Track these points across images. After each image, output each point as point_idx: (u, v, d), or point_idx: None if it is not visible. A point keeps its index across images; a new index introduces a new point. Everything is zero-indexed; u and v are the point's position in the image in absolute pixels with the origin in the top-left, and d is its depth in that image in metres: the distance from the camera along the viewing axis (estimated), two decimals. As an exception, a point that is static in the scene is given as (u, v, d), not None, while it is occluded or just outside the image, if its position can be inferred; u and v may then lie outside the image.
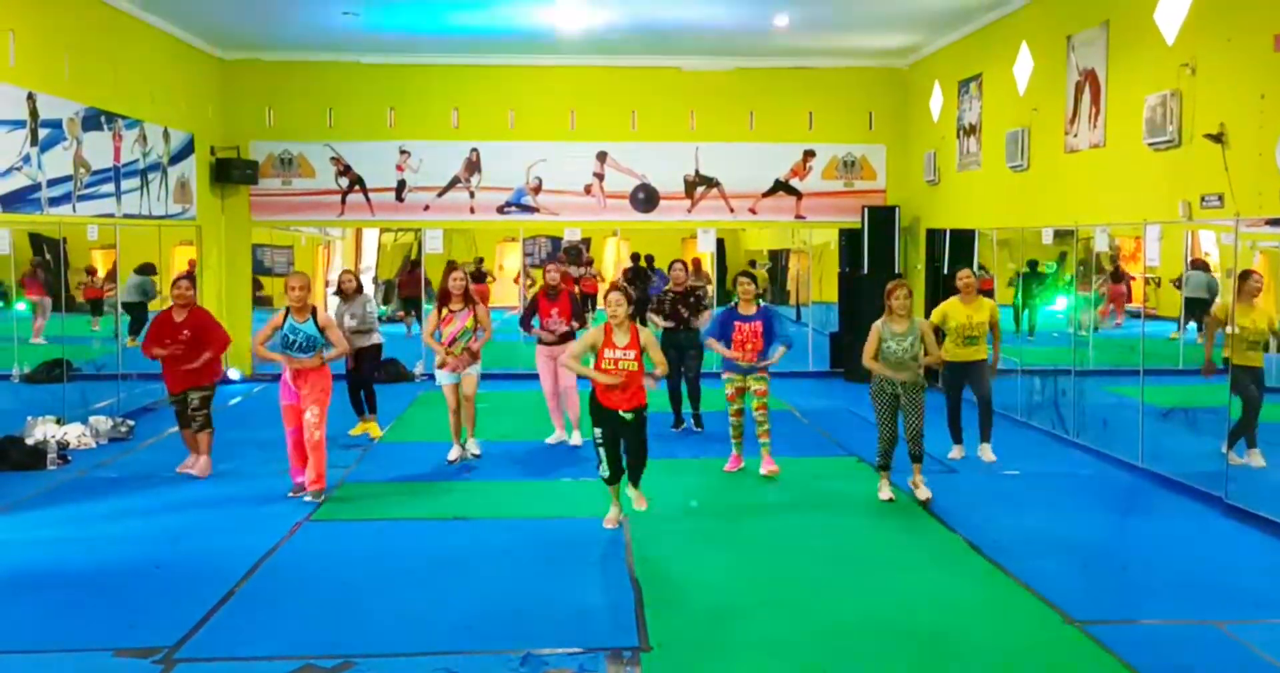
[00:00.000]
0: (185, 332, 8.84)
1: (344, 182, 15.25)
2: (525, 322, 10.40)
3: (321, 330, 8.20)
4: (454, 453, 9.47)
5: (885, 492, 8.28)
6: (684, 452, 10.02)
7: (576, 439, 10.26)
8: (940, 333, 9.35)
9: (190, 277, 9.29)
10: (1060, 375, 11.01)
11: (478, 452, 9.59)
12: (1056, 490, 8.73)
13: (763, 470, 8.99)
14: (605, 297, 7.42)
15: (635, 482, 7.53)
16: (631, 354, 7.23)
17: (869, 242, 15.01)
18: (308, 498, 8.24)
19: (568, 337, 10.04)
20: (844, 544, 7.24)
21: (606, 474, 7.44)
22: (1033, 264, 12.01)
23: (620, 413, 7.28)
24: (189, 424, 8.98)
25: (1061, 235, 11.10)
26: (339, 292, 10.65)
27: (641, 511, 7.51)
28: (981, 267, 12.08)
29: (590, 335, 7.41)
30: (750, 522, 7.76)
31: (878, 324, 8.12)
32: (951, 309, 9.40)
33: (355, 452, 10.08)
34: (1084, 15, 10.35)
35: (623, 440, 7.36)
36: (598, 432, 7.37)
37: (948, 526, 7.58)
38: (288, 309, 8.23)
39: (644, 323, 10.64)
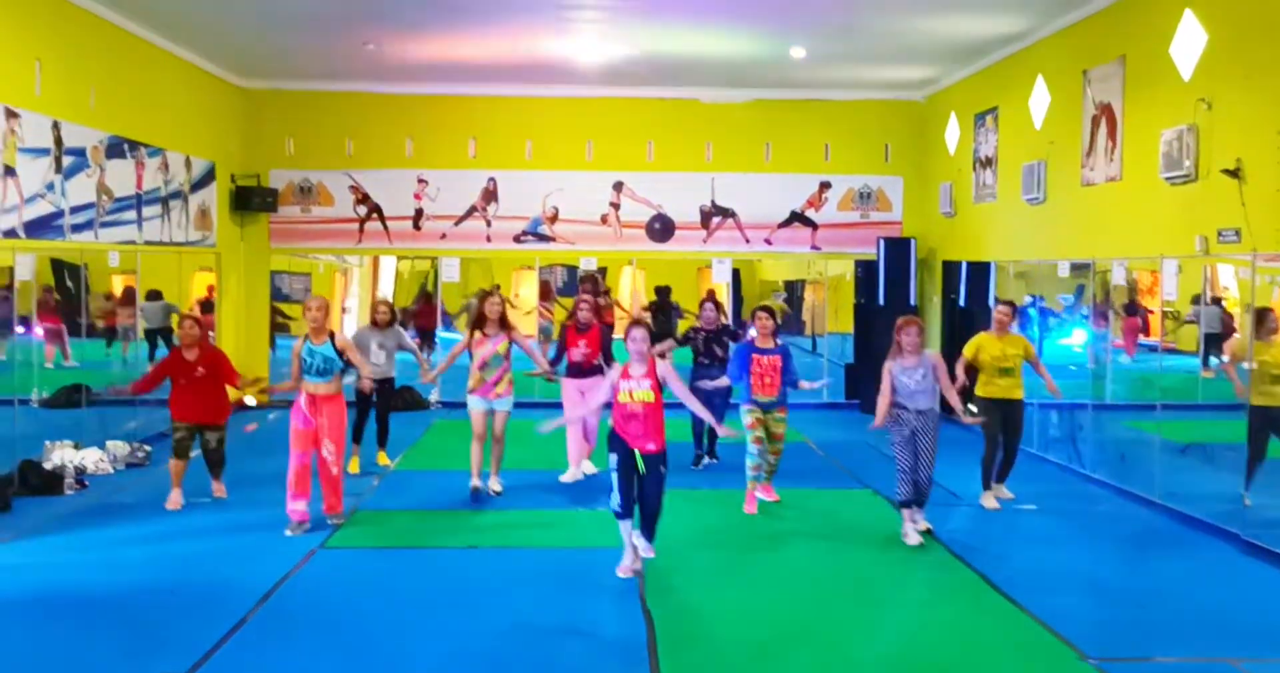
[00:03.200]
0: (199, 369, 8.93)
1: (362, 210, 15.38)
2: (557, 358, 10.39)
3: (340, 352, 8.21)
4: (475, 482, 9.28)
5: (912, 537, 7.95)
6: (700, 483, 10.00)
7: (588, 467, 10.20)
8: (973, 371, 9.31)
9: (196, 317, 9.37)
10: (1077, 409, 10.96)
11: (499, 489, 9.42)
12: (1073, 526, 8.67)
13: (761, 495, 9.00)
14: (627, 332, 7.24)
15: (647, 533, 7.21)
16: (647, 383, 7.07)
17: (885, 273, 15.03)
18: (332, 520, 8.26)
19: (597, 370, 10.01)
20: (859, 579, 7.20)
21: (618, 505, 7.11)
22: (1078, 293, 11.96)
23: (637, 456, 7.06)
24: (184, 455, 8.99)
25: (1079, 268, 11.09)
26: (372, 321, 10.67)
27: (648, 557, 7.24)
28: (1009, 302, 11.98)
29: (610, 377, 7.25)
30: (765, 555, 7.72)
31: (887, 365, 8.06)
32: (984, 342, 9.28)
33: (369, 479, 10.09)
34: (1100, 50, 10.40)
35: (637, 487, 7.10)
36: (613, 458, 7.11)
37: (963, 560, 7.53)
38: (306, 335, 8.27)
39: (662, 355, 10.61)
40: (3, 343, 9.87)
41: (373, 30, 12.08)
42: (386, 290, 19.15)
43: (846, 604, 6.64)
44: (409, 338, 10.81)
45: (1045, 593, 6.76)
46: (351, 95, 15.24)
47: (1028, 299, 12.39)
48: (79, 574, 7.05)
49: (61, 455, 9.87)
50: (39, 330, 10.62)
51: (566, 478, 10.11)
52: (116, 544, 7.78)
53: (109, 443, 10.64)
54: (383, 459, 10.75)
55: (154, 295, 12.94)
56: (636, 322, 7.40)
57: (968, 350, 9.33)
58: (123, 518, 8.54)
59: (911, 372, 7.98)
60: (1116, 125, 10.07)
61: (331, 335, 8.22)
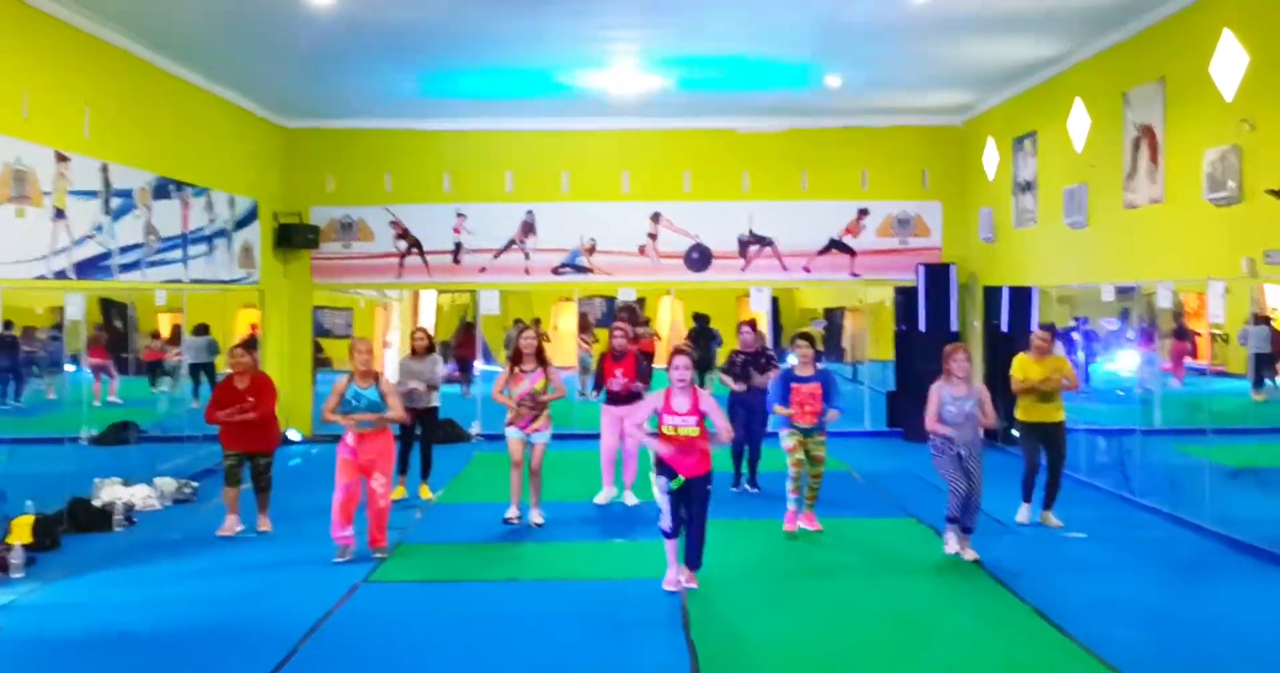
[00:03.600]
0: (249, 397, 9.07)
1: (402, 245, 15.53)
2: (597, 387, 10.49)
3: (383, 397, 8.30)
4: (512, 512, 9.34)
5: (952, 545, 8.20)
6: (742, 512, 9.93)
7: (630, 499, 10.21)
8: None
9: (245, 344, 9.50)
10: (1125, 435, 10.80)
11: (541, 521, 9.41)
12: (1123, 553, 8.51)
13: (804, 525, 9.03)
14: (670, 360, 7.35)
15: (692, 563, 7.37)
16: (692, 420, 7.17)
17: (925, 300, 14.93)
18: (377, 555, 8.28)
19: (635, 397, 10.04)
20: (906, 609, 7.10)
21: (668, 525, 7.30)
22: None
23: (684, 480, 7.19)
24: (236, 483, 9.13)
25: (1123, 292, 10.96)
26: (411, 350, 10.76)
27: (692, 588, 7.34)
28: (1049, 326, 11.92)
29: (652, 400, 7.38)
30: (809, 585, 7.64)
31: (936, 387, 8.08)
32: (1025, 364, 9.27)
33: (412, 512, 10.12)
34: (1139, 71, 10.32)
35: (684, 509, 7.29)
36: (662, 481, 7.23)
37: (1011, 590, 7.41)
38: (350, 374, 8.34)
39: (703, 384, 10.70)
40: (51, 382, 10.03)
41: (410, 67, 12.25)
42: (428, 323, 19.32)
43: (893, 635, 6.55)
44: (440, 370, 10.77)
45: (1097, 623, 6.64)
46: (389, 132, 15.42)
47: (1073, 322, 12.24)
48: (127, 613, 7.11)
49: (110, 493, 9.99)
50: (89, 367, 10.81)
51: (600, 499, 10.20)
52: (164, 581, 7.85)
53: (157, 480, 10.76)
54: (425, 493, 10.77)
55: (201, 330, 13.13)
56: (680, 350, 7.42)
57: (1016, 372, 9.27)
58: (170, 554, 8.62)
59: (961, 401, 7.98)
60: (1158, 147, 9.98)
61: (377, 379, 8.32)
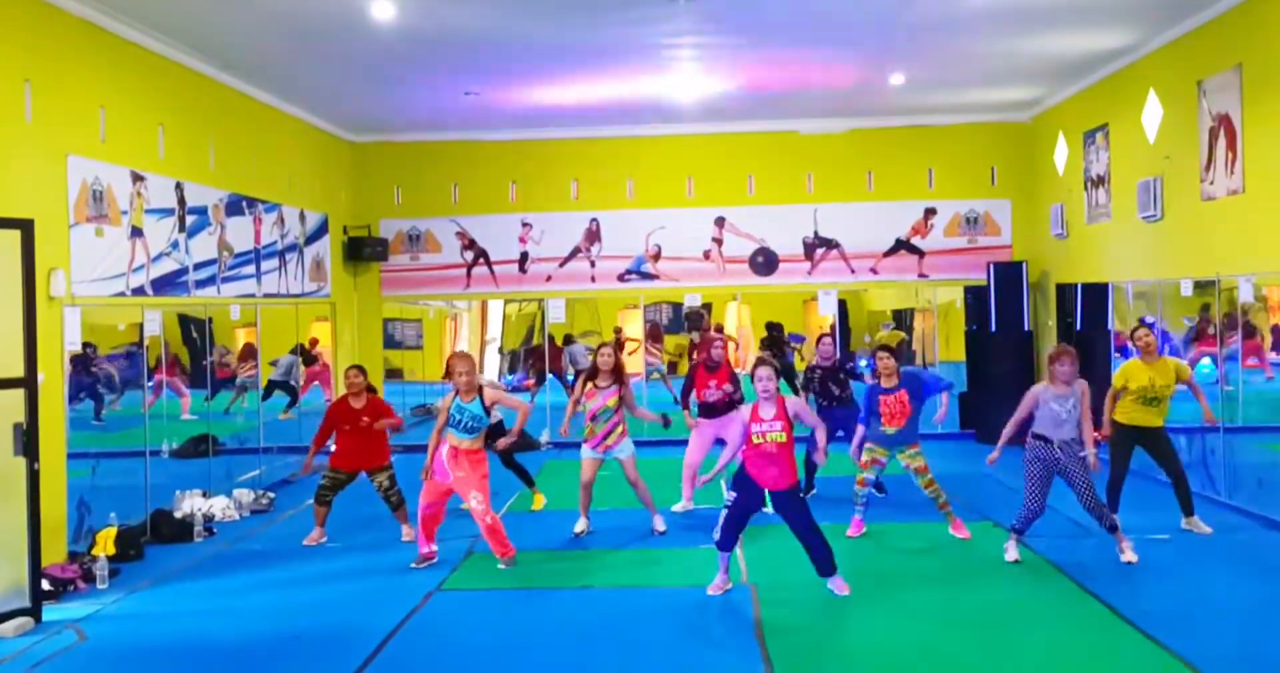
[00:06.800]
0: (364, 418, 9.25)
1: (469, 255, 15.68)
2: (684, 397, 10.34)
3: (487, 410, 8.26)
4: (580, 526, 9.43)
5: (1013, 552, 8.16)
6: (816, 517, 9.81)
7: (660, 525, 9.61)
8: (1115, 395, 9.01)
9: (359, 366, 9.63)
10: (1208, 433, 10.49)
11: (663, 528, 9.40)
12: (1210, 556, 8.26)
13: (953, 532, 9.01)
14: (753, 372, 7.43)
15: (823, 571, 7.42)
16: (779, 425, 7.23)
17: (996, 299, 14.69)
18: (501, 565, 8.32)
19: (732, 405, 9.86)
20: (986, 615, 6.96)
21: (718, 537, 7.43)
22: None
23: (768, 497, 7.29)
24: (325, 504, 9.35)
25: (1202, 287, 10.66)
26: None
27: (845, 595, 7.34)
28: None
29: (739, 416, 7.45)
30: (886, 591, 7.52)
31: (1037, 389, 7.99)
32: (1133, 371, 8.88)
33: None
34: (1215, 60, 10.05)
35: (787, 525, 7.40)
36: (732, 495, 7.37)
37: (1095, 595, 7.23)
38: (455, 391, 8.32)
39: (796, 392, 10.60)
40: (117, 397, 10.22)
41: (473, 79, 12.37)
42: (494, 333, 19.44)
43: (975, 644, 6.42)
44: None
45: (1185, 628, 6.44)
46: (455, 144, 15.61)
47: (1186, 322, 11.80)
48: (208, 621, 7.24)
49: (191, 504, 10.21)
50: (160, 382, 11.05)
51: (677, 509, 10.17)
52: (242, 591, 7.99)
53: (235, 491, 10.97)
54: (538, 500, 10.79)
55: (298, 350, 13.38)
56: (762, 360, 7.48)
57: (1116, 381, 9.03)
58: (249, 564, 8.77)
59: (1063, 400, 7.87)
60: (1236, 136, 9.70)
61: (480, 391, 8.26)
